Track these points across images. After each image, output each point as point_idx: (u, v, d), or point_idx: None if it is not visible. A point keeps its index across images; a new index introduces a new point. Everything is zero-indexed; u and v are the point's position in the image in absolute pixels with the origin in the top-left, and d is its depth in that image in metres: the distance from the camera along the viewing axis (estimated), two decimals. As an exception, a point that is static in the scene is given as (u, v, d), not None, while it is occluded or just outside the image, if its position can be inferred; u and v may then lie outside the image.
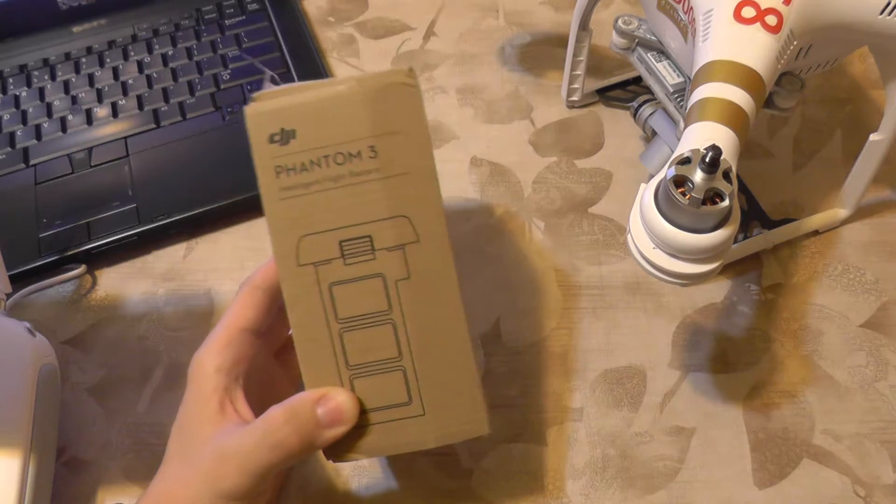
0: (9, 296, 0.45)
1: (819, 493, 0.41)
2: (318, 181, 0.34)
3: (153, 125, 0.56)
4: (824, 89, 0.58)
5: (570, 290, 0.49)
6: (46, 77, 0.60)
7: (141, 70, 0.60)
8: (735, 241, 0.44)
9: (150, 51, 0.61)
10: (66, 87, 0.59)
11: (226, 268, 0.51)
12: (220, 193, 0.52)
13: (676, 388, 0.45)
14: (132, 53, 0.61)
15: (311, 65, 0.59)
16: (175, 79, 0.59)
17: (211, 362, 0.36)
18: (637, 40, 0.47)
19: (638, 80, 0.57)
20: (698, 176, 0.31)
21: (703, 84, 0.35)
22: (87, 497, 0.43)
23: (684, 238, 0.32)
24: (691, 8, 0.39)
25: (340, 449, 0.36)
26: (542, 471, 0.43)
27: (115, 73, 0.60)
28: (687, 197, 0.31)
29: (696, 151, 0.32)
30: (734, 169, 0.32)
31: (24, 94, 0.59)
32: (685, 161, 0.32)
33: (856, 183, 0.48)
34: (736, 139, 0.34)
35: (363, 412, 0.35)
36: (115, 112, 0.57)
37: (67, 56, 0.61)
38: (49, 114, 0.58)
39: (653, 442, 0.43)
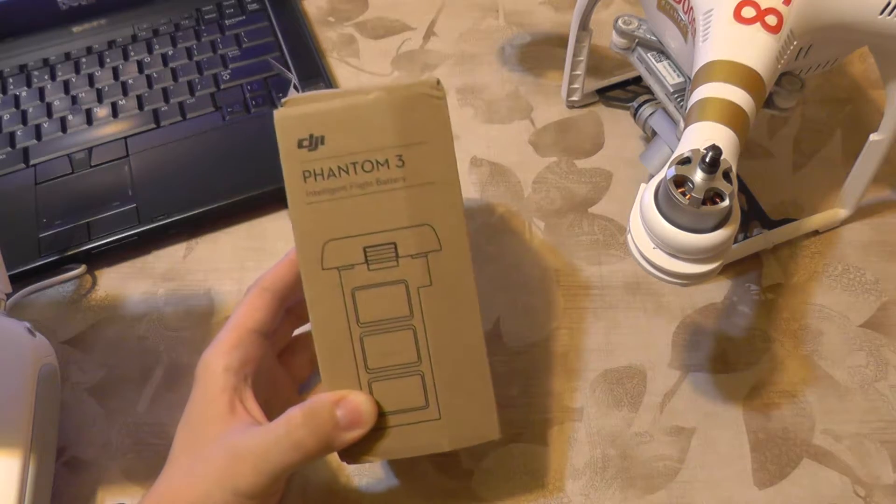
0: (9, 296, 0.45)
1: (819, 493, 0.41)
2: (344, 187, 0.35)
3: (153, 125, 0.56)
4: (824, 89, 0.58)
5: (570, 290, 0.49)
6: (46, 77, 0.60)
7: (141, 70, 0.60)
8: (735, 241, 0.44)
9: (150, 51, 0.61)
10: (66, 87, 0.59)
11: (226, 268, 0.51)
12: (220, 193, 0.52)
13: (676, 388, 0.45)
14: (132, 53, 0.61)
15: (311, 65, 0.59)
16: (175, 79, 0.59)
17: (220, 362, 0.36)
18: (637, 40, 0.47)
19: (638, 80, 0.57)
20: (698, 176, 0.31)
21: (703, 84, 0.35)
22: (87, 497, 0.43)
23: (684, 238, 0.32)
24: (691, 8, 0.39)
25: (356, 451, 0.36)
26: (542, 471, 0.43)
27: (115, 73, 0.60)
28: (687, 197, 0.31)
29: (696, 151, 0.32)
30: (734, 169, 0.32)
31: (24, 94, 0.59)
32: (685, 161, 0.32)
33: (856, 183, 0.48)
34: (736, 139, 0.34)
35: (380, 415, 0.36)
36: (115, 112, 0.57)
37: (67, 56, 0.61)
38: (49, 114, 0.58)
39: (653, 442, 0.43)
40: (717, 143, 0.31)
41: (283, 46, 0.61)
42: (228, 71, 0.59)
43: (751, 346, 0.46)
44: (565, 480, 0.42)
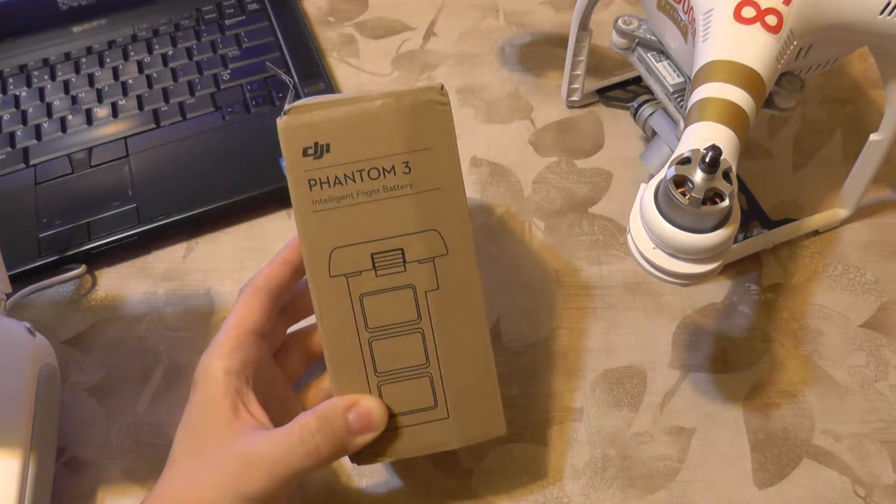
0: (9, 296, 0.45)
1: (819, 493, 0.41)
2: (351, 195, 0.35)
3: (153, 125, 0.56)
4: (824, 89, 0.58)
5: (570, 290, 0.49)
6: (46, 77, 0.60)
7: (141, 70, 0.60)
8: (735, 241, 0.44)
9: (150, 51, 0.61)
10: (66, 87, 0.59)
11: (226, 268, 0.51)
12: (220, 193, 0.52)
13: (676, 388, 0.45)
14: (132, 53, 0.61)
15: (311, 65, 0.59)
16: (175, 79, 0.59)
17: (220, 365, 0.36)
18: (637, 40, 0.47)
19: (638, 80, 0.57)
20: (698, 176, 0.31)
21: (703, 84, 0.35)
22: (87, 497, 0.43)
23: (684, 238, 0.32)
24: (691, 8, 0.39)
25: (366, 453, 0.37)
26: (542, 470, 0.43)
27: (115, 73, 0.60)
28: (687, 197, 0.31)
29: (696, 151, 0.32)
30: (734, 169, 0.32)
31: (24, 94, 0.59)
32: (685, 161, 0.32)
33: (856, 183, 0.48)
34: (736, 139, 0.34)
35: (390, 416, 0.36)
36: (115, 112, 0.57)
37: (67, 56, 0.61)
38: (49, 114, 0.58)
39: (653, 442, 0.43)
40: (717, 143, 0.31)
41: (283, 46, 0.61)
42: (228, 71, 0.59)
43: (751, 346, 0.46)
44: (565, 480, 0.42)
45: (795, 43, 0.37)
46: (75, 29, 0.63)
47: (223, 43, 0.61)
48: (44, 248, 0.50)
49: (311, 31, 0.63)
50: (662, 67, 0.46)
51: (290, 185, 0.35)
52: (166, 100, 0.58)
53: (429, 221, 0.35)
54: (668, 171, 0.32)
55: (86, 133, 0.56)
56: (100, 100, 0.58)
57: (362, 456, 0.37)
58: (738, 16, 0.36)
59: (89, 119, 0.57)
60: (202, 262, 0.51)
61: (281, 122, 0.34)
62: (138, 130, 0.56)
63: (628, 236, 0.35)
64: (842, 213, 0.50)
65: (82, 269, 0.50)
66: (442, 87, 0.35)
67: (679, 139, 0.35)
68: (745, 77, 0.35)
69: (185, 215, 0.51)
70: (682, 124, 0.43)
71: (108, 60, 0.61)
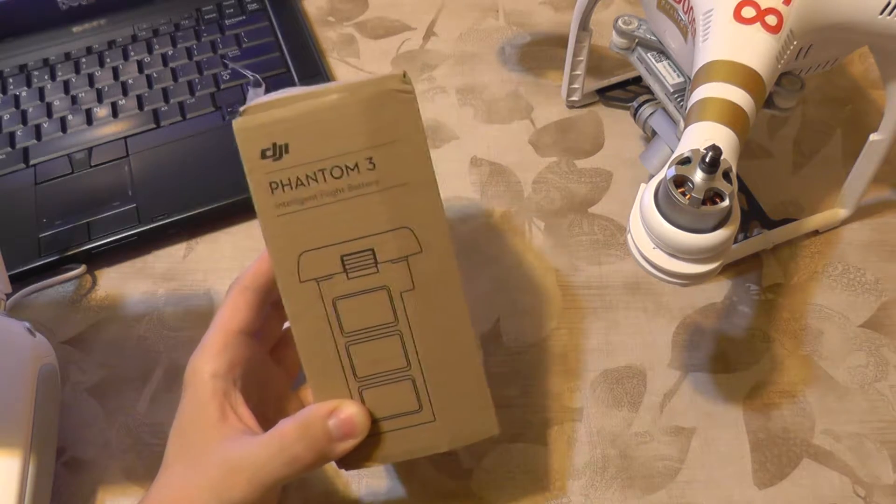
0: (9, 296, 0.46)
1: (819, 493, 0.41)
2: (314, 196, 0.33)
3: (153, 125, 0.56)
4: (824, 89, 0.58)
5: (570, 290, 0.49)
6: (46, 77, 0.60)
7: (141, 70, 0.60)
8: (735, 241, 0.44)
9: (150, 51, 0.61)
10: (66, 87, 0.59)
11: (226, 268, 0.51)
12: (220, 193, 0.52)
13: (676, 388, 0.45)
14: (132, 53, 0.61)
15: (311, 65, 0.59)
16: (175, 79, 0.59)
17: (207, 367, 0.35)
18: (637, 40, 0.47)
19: (638, 80, 0.57)
20: (698, 176, 0.31)
21: (703, 84, 0.35)
22: (87, 497, 0.43)
23: (684, 238, 0.32)
24: (691, 8, 0.39)
25: (353, 458, 0.36)
26: (542, 471, 0.43)
27: (115, 73, 0.60)
28: (687, 197, 0.31)
29: (696, 151, 0.32)
30: (734, 169, 0.32)
31: (24, 94, 0.59)
32: (685, 161, 0.32)
33: (856, 183, 0.48)
34: (736, 139, 0.34)
35: (374, 421, 0.35)
36: (115, 112, 0.57)
37: (67, 56, 0.61)
38: (49, 114, 0.58)
39: (653, 442, 0.43)
40: (717, 143, 0.31)
41: (283, 46, 0.61)
42: (228, 71, 0.59)
43: (751, 346, 0.46)
44: (565, 480, 0.42)
45: (795, 43, 0.37)
46: (75, 29, 0.63)
47: (223, 43, 0.61)
48: (44, 248, 0.50)
49: (311, 31, 0.63)
50: (662, 67, 0.46)
51: (252, 189, 0.33)
52: (166, 100, 0.58)
53: (399, 219, 0.34)
54: (668, 171, 0.32)
55: (86, 133, 0.56)
56: (100, 100, 0.58)
57: (348, 461, 0.36)
58: (738, 16, 0.36)
59: (89, 119, 0.57)
60: (202, 262, 0.51)
61: (236, 123, 0.33)
62: (138, 130, 0.56)
63: (628, 236, 0.35)
64: (842, 213, 0.50)
65: (82, 269, 0.50)
66: (405, 74, 0.33)
67: (679, 139, 0.35)
68: (745, 77, 0.35)
69: (185, 215, 0.51)
70: (682, 124, 0.43)
71: (108, 60, 0.61)
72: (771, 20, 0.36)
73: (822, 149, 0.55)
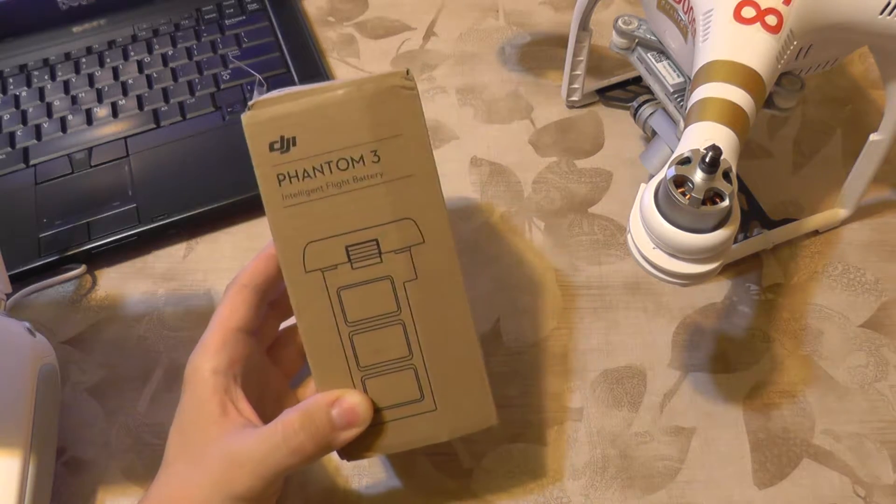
0: (9, 296, 0.46)
1: (819, 493, 0.41)
2: (321, 187, 0.34)
3: (153, 125, 0.56)
4: (824, 89, 0.58)
5: (570, 290, 0.49)
6: (46, 77, 0.60)
7: (141, 70, 0.60)
8: (735, 241, 0.44)
9: (150, 51, 0.61)
10: (66, 87, 0.59)
11: (226, 268, 0.51)
12: (220, 193, 0.52)
13: (676, 388, 0.45)
14: (132, 53, 0.61)
15: (311, 65, 0.59)
16: (175, 79, 0.59)
17: (207, 365, 0.36)
18: (637, 40, 0.47)
19: (638, 80, 0.57)
20: (698, 176, 0.31)
21: (703, 84, 0.35)
22: (87, 497, 0.43)
23: (684, 238, 0.32)
24: (691, 8, 0.39)
25: (354, 448, 0.36)
26: (542, 471, 0.43)
27: (115, 73, 0.60)
28: (687, 197, 0.31)
29: (696, 151, 0.32)
30: (734, 169, 0.32)
31: (24, 94, 0.59)
32: (685, 161, 0.32)
33: (856, 183, 0.48)
34: (736, 139, 0.34)
35: (376, 411, 0.36)
36: (115, 112, 0.57)
37: (67, 56, 0.61)
38: (49, 114, 0.58)
39: (653, 442, 0.43)
40: (717, 143, 0.31)
41: (283, 46, 0.61)
42: (228, 71, 0.59)
43: (751, 346, 0.46)
44: (565, 480, 0.42)
45: (795, 43, 0.37)
46: (75, 29, 0.63)
47: (223, 43, 0.61)
48: (44, 248, 0.50)
49: (311, 31, 0.63)
50: (662, 67, 0.46)
51: (259, 181, 0.34)
52: (166, 100, 0.58)
53: (402, 210, 0.35)
54: (668, 171, 0.32)
55: (86, 133, 0.56)
56: (100, 100, 0.58)
57: (350, 451, 0.36)
58: (738, 16, 0.36)
59: (89, 119, 0.57)
60: (202, 262, 0.51)
61: (245, 117, 0.34)
62: (138, 130, 0.56)
63: (628, 236, 0.35)
64: (842, 213, 0.50)
65: (82, 269, 0.50)
66: (408, 71, 0.34)
67: (679, 139, 0.35)
68: (745, 77, 0.35)
69: (185, 215, 0.51)
70: (682, 124, 0.43)
71: (108, 60, 0.61)
72: (771, 20, 0.36)
73: (822, 149, 0.55)
